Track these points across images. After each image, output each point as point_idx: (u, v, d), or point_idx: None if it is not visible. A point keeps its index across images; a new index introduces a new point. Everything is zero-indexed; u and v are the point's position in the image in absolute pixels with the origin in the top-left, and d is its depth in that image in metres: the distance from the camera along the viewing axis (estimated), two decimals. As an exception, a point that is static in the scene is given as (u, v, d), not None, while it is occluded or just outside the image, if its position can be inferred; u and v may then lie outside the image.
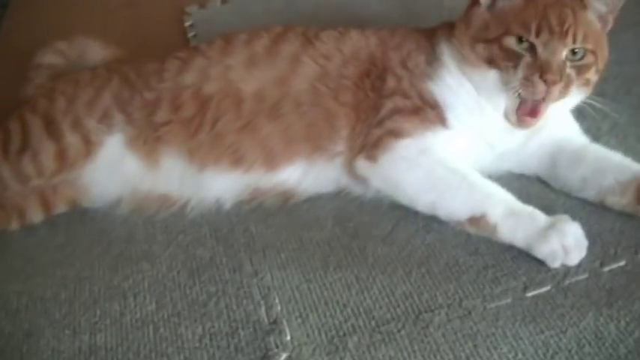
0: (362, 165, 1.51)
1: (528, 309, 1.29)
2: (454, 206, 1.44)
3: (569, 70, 1.43)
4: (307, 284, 1.40)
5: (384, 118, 1.51)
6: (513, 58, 1.44)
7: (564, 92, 1.44)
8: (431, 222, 1.49)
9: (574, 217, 1.39)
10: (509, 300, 1.31)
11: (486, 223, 1.40)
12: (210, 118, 1.56)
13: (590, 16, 1.48)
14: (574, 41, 1.43)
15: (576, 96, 1.51)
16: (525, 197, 1.45)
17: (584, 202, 1.51)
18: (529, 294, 1.33)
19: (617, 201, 1.46)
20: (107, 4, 2.57)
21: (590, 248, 1.38)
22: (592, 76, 1.50)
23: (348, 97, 1.56)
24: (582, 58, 1.45)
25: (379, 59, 1.58)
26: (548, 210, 1.42)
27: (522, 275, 1.36)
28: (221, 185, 1.58)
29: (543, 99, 1.43)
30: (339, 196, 1.60)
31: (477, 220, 1.41)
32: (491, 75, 1.47)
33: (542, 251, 1.36)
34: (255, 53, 1.61)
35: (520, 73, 1.42)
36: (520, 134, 1.54)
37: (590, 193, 1.49)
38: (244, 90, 1.57)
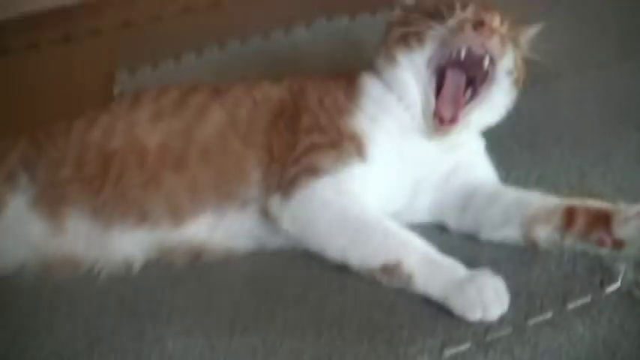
0: (274, 203, 1.42)
1: (445, 369, 1.18)
2: (367, 252, 1.34)
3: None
4: (210, 351, 1.29)
5: (300, 156, 1.43)
6: (436, 18, 1.39)
7: (502, 51, 1.38)
8: (345, 279, 1.38)
9: (498, 269, 1.29)
10: (424, 360, 1.20)
11: (401, 272, 1.30)
12: (113, 174, 1.49)
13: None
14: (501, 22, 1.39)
15: (505, 94, 1.47)
16: (448, 250, 1.35)
17: (510, 254, 1.41)
18: (447, 352, 1.21)
19: (543, 228, 1.36)
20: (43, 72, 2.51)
21: (514, 301, 1.27)
22: (518, 66, 1.46)
23: (259, 139, 1.49)
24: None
25: (293, 101, 1.53)
26: (472, 262, 1.32)
27: (440, 333, 1.25)
28: (128, 244, 1.49)
29: (483, 48, 1.36)
30: (253, 254, 1.51)
31: (391, 269, 1.31)
32: (407, 61, 1.43)
33: (458, 303, 1.25)
34: (162, 107, 1.55)
35: (450, 22, 1.38)
36: (441, 154, 1.48)
37: (513, 225, 1.40)
38: (148, 143, 1.50)
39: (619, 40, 2.02)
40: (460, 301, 1.25)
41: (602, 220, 1.33)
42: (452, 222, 1.49)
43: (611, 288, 1.29)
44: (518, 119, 1.57)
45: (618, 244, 1.31)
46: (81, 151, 1.53)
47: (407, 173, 1.47)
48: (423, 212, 1.50)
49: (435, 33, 1.37)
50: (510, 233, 1.41)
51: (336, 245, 1.36)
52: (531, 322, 1.25)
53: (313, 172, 1.41)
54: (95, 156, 1.52)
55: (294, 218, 1.40)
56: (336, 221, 1.37)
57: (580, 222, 1.34)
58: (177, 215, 1.47)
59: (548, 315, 1.26)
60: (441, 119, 1.41)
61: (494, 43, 1.34)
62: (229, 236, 1.48)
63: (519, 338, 1.23)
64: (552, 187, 1.54)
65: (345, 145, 1.43)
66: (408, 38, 1.41)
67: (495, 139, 1.59)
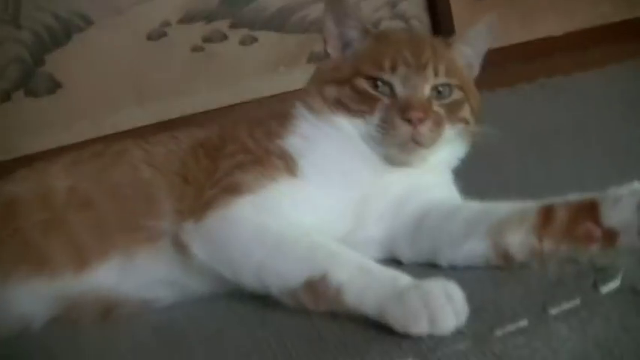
0: (185, 228, 1.17)
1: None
2: (287, 267, 1.06)
3: (437, 108, 1.22)
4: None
5: (220, 177, 1.22)
6: (369, 101, 1.23)
7: (437, 133, 1.21)
8: (267, 314, 1.09)
9: (463, 289, 0.98)
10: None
11: (327, 287, 1.02)
12: (12, 215, 1.29)
13: (454, 54, 1.30)
14: (436, 74, 1.23)
15: (459, 140, 1.28)
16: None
17: (479, 275, 1.10)
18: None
19: (515, 233, 1.07)
20: None
21: (477, 314, 0.96)
22: (468, 115, 1.26)
23: (174, 165, 1.30)
24: (450, 94, 1.24)
25: (220, 136, 1.35)
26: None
27: (376, 355, 0.93)
28: (25, 297, 1.23)
29: (415, 141, 1.19)
30: (168, 308, 1.23)
31: (315, 285, 1.03)
32: (344, 123, 1.24)
33: (397, 316, 0.94)
34: (80, 156, 1.38)
35: (377, 116, 1.20)
36: (393, 175, 1.25)
37: (478, 236, 1.11)
38: (57, 185, 1.31)
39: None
40: (399, 312, 0.94)
41: (586, 209, 1.03)
42: (405, 250, 1.20)
43: (608, 288, 0.96)
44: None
45: (610, 236, 1.01)
46: None
47: (351, 194, 1.22)
48: (373, 243, 1.21)
49: (373, 127, 1.23)
50: (475, 247, 1.11)
51: (251, 264, 1.09)
52: (499, 332, 0.93)
53: (234, 190, 1.18)
54: None
55: (205, 241, 1.15)
56: (253, 239, 1.11)
57: (560, 217, 1.05)
58: (81, 259, 1.23)
59: (522, 323, 0.94)
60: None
61: (425, 134, 1.19)
62: (141, 283, 1.23)
63: (480, 350, 0.90)
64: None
65: (272, 161, 1.22)
66: (346, 109, 1.25)
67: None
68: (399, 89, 1.22)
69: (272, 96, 2.56)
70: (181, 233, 1.17)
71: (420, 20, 2.71)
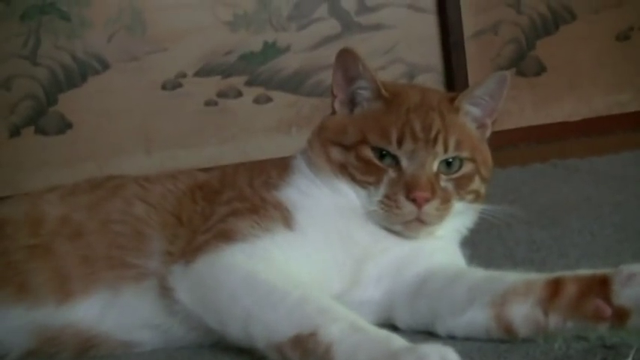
0: (173, 272, 1.11)
1: None
2: (275, 319, 0.99)
3: (444, 184, 1.17)
4: None
5: (214, 223, 1.16)
6: (374, 172, 1.17)
7: (444, 210, 1.15)
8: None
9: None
10: None
11: (317, 344, 0.95)
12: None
13: (463, 119, 1.23)
14: (445, 150, 1.17)
15: (468, 212, 1.22)
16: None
17: (480, 347, 1.03)
18: None
19: (520, 304, 1.01)
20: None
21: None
22: (478, 186, 1.21)
23: (169, 205, 1.24)
24: (459, 168, 1.19)
25: (220, 181, 1.30)
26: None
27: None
28: (4, 324, 1.17)
29: (420, 220, 1.13)
30: (148, 352, 1.16)
31: (303, 341, 0.96)
32: (347, 190, 1.19)
33: None
34: (78, 187, 1.34)
35: (381, 191, 1.15)
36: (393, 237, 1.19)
37: (480, 306, 1.04)
38: (49, 213, 1.26)
39: None
40: None
41: (597, 285, 0.97)
42: (402, 315, 1.13)
43: (617, 368, 0.89)
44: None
45: (621, 315, 0.94)
46: None
47: (348, 253, 1.17)
48: (370, 305, 1.15)
49: (375, 202, 1.17)
50: (476, 317, 1.04)
51: (238, 313, 1.03)
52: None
53: (227, 237, 1.12)
54: None
55: (192, 285, 1.09)
56: (242, 286, 1.05)
57: (569, 291, 0.99)
58: (65, 290, 1.17)
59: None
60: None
61: (430, 213, 1.14)
62: (123, 323, 1.16)
63: None
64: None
65: (269, 211, 1.17)
66: (351, 177, 1.20)
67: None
68: (405, 164, 1.16)
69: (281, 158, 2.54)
70: (169, 276, 1.11)
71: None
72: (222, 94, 2.65)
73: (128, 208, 1.24)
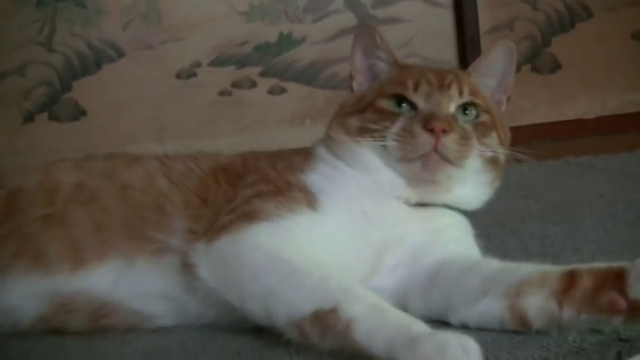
0: (196, 249, 1.11)
1: None
2: (296, 296, 0.99)
3: (462, 124, 1.15)
4: None
5: (239, 204, 1.16)
6: (390, 117, 1.17)
7: (465, 146, 1.13)
8: (264, 353, 1.03)
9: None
10: None
11: (336, 320, 0.94)
12: (14, 207, 1.23)
13: (475, 82, 1.24)
14: (460, 94, 1.18)
15: (484, 177, 1.20)
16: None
17: (494, 337, 1.02)
18: None
19: (535, 295, 1.00)
20: None
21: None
22: (494, 141, 1.19)
23: (192, 184, 1.23)
24: (477, 116, 1.18)
25: (243, 164, 1.29)
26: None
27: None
28: (19, 292, 1.18)
29: (439, 154, 1.11)
30: (160, 332, 1.16)
31: (324, 316, 0.96)
32: (365, 152, 1.19)
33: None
34: (92, 156, 1.34)
35: (397, 126, 1.15)
36: (415, 221, 1.18)
37: (494, 297, 1.04)
38: (63, 180, 1.26)
39: None
40: (411, 358, 0.87)
41: (612, 278, 0.96)
42: (416, 303, 1.12)
43: (633, 360, 0.89)
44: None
45: (636, 309, 0.93)
46: None
47: (370, 236, 1.17)
48: (385, 292, 1.13)
49: (392, 137, 1.16)
50: (490, 307, 1.04)
51: (259, 290, 1.03)
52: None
53: (251, 217, 1.12)
54: (2, 194, 1.26)
55: (215, 263, 1.09)
56: (264, 264, 1.05)
57: (584, 284, 0.98)
58: (77, 257, 1.17)
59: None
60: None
61: (450, 146, 1.12)
62: (136, 293, 1.16)
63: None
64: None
65: (293, 193, 1.16)
66: (370, 133, 1.19)
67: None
68: (422, 105, 1.16)
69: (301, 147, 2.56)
70: (191, 253, 1.11)
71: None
72: (236, 85, 2.65)
73: (149, 180, 1.24)
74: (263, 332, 1.05)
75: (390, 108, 1.18)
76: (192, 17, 2.59)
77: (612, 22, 2.79)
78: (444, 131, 1.10)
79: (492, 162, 1.19)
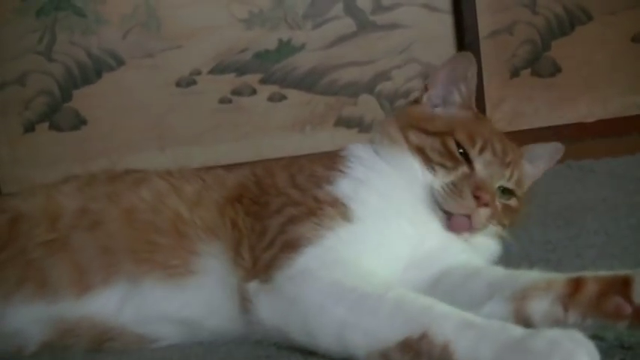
0: (251, 290, 1.10)
1: None
2: (376, 326, 0.96)
3: (498, 203, 1.25)
4: None
5: (274, 237, 1.14)
6: (453, 160, 1.25)
7: (488, 223, 1.23)
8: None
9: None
10: None
11: (431, 346, 0.91)
12: (16, 232, 1.23)
13: (524, 167, 1.36)
14: (509, 178, 1.29)
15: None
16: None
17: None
18: None
19: (541, 300, 1.00)
20: None
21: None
22: (509, 222, 1.30)
23: (210, 211, 1.23)
24: (508, 200, 1.29)
25: (257, 184, 1.28)
26: None
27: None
28: (24, 318, 1.18)
29: (469, 219, 1.19)
30: (163, 348, 1.16)
31: (414, 344, 0.92)
32: (415, 165, 1.26)
33: None
34: (95, 178, 1.33)
35: (451, 177, 1.22)
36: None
37: (499, 300, 1.03)
38: (66, 206, 1.26)
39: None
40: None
41: (618, 284, 0.96)
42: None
43: (636, 368, 0.89)
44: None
45: (642, 314, 0.93)
46: None
47: (407, 231, 1.19)
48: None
49: (441, 183, 1.23)
50: (495, 311, 1.02)
51: (330, 324, 1.00)
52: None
53: (293, 246, 1.10)
54: (4, 220, 1.26)
55: (276, 304, 1.06)
56: (328, 296, 1.01)
57: (590, 289, 0.97)
58: (82, 283, 1.17)
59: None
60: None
61: (480, 220, 1.20)
62: (143, 316, 1.16)
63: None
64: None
65: (325, 210, 1.15)
66: (426, 158, 1.26)
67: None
68: (479, 168, 1.24)
69: (295, 156, 2.54)
70: (246, 294, 1.10)
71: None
72: (236, 92, 2.65)
73: (159, 202, 1.23)
74: (264, 343, 1.05)
75: (455, 152, 1.25)
76: (192, 25, 2.58)
77: (612, 25, 2.78)
78: (485, 204, 1.18)
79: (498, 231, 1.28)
